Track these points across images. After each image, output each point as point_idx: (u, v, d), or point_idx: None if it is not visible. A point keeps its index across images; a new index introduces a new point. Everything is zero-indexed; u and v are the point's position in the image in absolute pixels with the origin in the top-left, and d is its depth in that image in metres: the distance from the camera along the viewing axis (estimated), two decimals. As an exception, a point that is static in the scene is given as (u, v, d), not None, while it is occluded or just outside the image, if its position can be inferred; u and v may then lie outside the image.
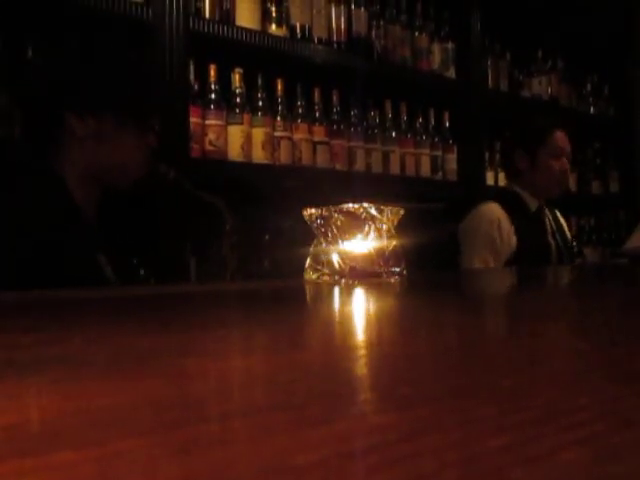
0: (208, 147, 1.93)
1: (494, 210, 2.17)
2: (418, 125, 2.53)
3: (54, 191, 1.26)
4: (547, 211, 2.36)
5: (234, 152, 1.98)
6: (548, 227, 2.32)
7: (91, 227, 1.30)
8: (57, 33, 1.72)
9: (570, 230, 2.55)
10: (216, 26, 1.92)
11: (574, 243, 2.46)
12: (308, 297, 0.85)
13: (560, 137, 2.28)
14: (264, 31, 2.06)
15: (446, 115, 2.63)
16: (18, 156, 1.40)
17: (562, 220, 2.46)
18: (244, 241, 1.44)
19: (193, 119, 1.88)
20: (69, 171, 1.29)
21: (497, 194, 2.38)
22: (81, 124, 1.28)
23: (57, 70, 1.32)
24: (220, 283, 1.33)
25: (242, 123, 2.00)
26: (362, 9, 2.32)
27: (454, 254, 2.18)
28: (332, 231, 0.90)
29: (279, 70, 2.12)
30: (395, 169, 2.42)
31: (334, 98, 2.26)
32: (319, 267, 0.92)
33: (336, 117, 2.25)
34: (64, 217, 1.24)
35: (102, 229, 1.33)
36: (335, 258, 0.91)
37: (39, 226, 1.18)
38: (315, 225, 0.92)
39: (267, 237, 2.10)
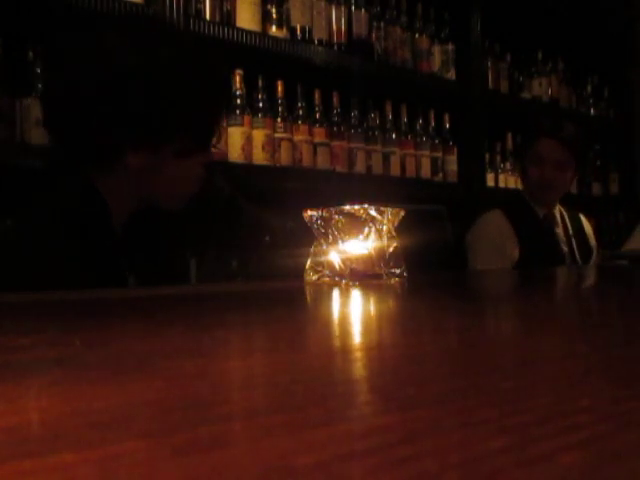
0: (208, 148, 1.93)
1: (496, 218, 2.19)
2: (418, 127, 2.53)
3: (91, 208, 1.11)
4: (564, 216, 2.32)
5: (234, 153, 1.98)
6: (560, 233, 2.28)
7: (119, 241, 1.16)
8: (55, 34, 1.72)
9: (596, 233, 2.50)
10: (216, 28, 1.93)
11: (593, 247, 2.41)
12: (308, 298, 0.85)
13: (545, 145, 2.19)
14: (264, 33, 2.06)
15: (446, 117, 2.64)
16: (60, 171, 1.23)
17: (585, 225, 2.43)
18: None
19: (193, 120, 1.88)
20: (112, 193, 1.12)
21: (504, 200, 2.38)
22: (135, 157, 1.09)
23: (118, 99, 1.07)
24: (220, 284, 1.33)
25: (242, 124, 2.00)
26: (362, 10, 2.32)
27: (454, 255, 2.18)
28: (332, 232, 0.90)
29: (279, 71, 2.12)
30: (395, 170, 2.42)
31: (334, 99, 2.26)
32: (319, 268, 0.92)
33: (336, 118, 2.25)
34: (94, 230, 1.10)
35: (130, 242, 1.19)
36: (335, 259, 0.90)
37: (65, 237, 1.06)
38: (315, 226, 0.92)
39: (267, 238, 2.10)
